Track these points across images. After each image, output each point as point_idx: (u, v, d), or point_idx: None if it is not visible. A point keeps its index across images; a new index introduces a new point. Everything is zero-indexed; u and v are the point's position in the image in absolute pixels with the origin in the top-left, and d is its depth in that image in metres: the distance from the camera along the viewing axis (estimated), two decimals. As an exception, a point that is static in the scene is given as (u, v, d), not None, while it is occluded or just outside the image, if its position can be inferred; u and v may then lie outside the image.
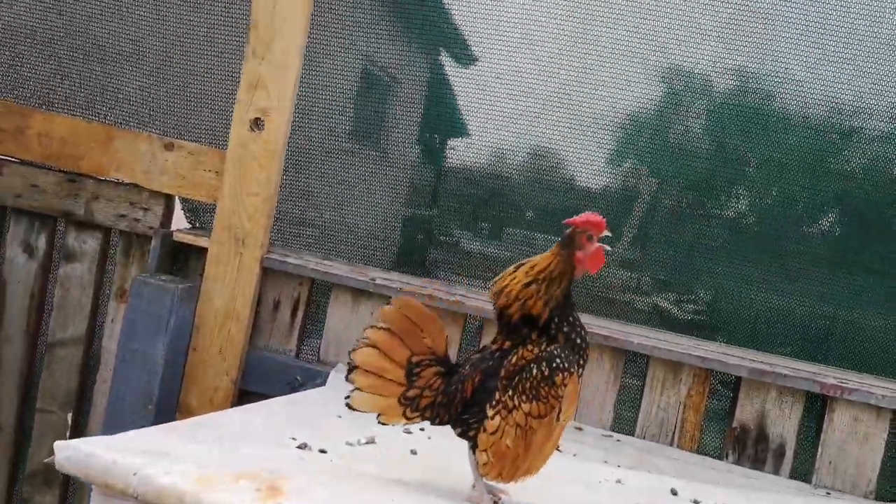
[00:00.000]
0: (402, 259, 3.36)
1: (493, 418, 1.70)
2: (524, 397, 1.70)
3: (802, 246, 2.84)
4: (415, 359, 1.76)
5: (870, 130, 2.78)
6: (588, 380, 3.06)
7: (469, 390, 1.74)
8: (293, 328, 3.22)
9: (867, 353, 3.00)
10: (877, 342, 3.00)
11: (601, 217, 1.79)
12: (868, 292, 2.86)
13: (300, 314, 3.23)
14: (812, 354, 3.04)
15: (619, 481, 2.47)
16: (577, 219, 1.79)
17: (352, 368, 1.75)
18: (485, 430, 1.71)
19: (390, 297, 3.10)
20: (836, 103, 2.81)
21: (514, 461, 1.70)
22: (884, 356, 3.05)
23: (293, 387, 3.06)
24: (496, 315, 1.79)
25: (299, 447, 1.92)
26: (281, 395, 2.77)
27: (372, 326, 1.77)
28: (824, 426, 2.93)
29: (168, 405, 2.97)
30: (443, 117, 3.26)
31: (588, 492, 2.27)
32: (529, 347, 1.74)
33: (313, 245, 3.44)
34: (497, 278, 1.81)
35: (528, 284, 1.74)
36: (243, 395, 3.14)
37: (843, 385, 2.85)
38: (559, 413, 1.72)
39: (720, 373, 3.03)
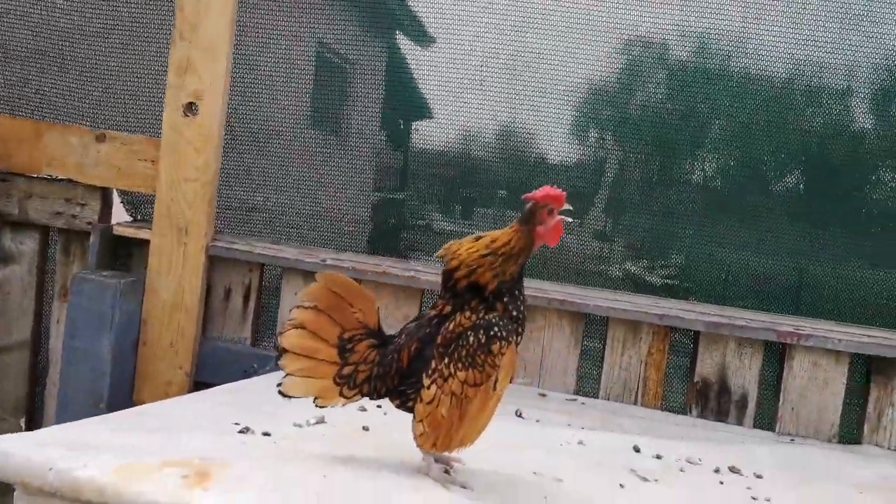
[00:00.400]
0: (375, 244, 3.31)
1: (429, 388, 1.65)
2: (460, 365, 1.64)
3: (769, 204, 2.87)
4: (346, 335, 1.69)
5: (830, 88, 2.79)
6: (549, 345, 3.04)
7: (406, 360, 1.69)
8: (246, 316, 3.15)
9: (840, 305, 2.99)
10: (847, 293, 3.01)
11: (560, 190, 1.73)
12: (834, 246, 2.88)
13: (252, 301, 3.15)
14: (784, 309, 3.03)
15: (581, 443, 2.44)
16: (536, 193, 1.73)
17: (281, 353, 1.68)
18: (421, 400, 1.66)
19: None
20: (796, 62, 2.81)
21: (448, 431, 1.65)
22: (855, 306, 3.05)
23: (250, 375, 2.99)
24: (443, 276, 1.73)
25: (241, 432, 1.85)
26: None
27: (298, 306, 1.70)
28: (784, 374, 2.93)
29: (120, 403, 2.89)
30: (405, 100, 3.22)
31: (549, 455, 2.24)
32: (468, 315, 1.68)
33: (284, 234, 3.37)
34: (454, 242, 1.75)
35: (484, 256, 1.69)
36: (199, 388, 3.06)
37: (800, 332, 2.85)
38: (496, 382, 1.68)
39: (680, 329, 3.02)
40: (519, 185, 3.01)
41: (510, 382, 1.73)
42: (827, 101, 2.73)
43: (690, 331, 3.01)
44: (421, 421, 1.65)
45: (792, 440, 2.87)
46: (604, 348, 3.05)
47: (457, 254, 1.71)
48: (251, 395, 2.24)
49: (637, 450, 2.47)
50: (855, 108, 2.71)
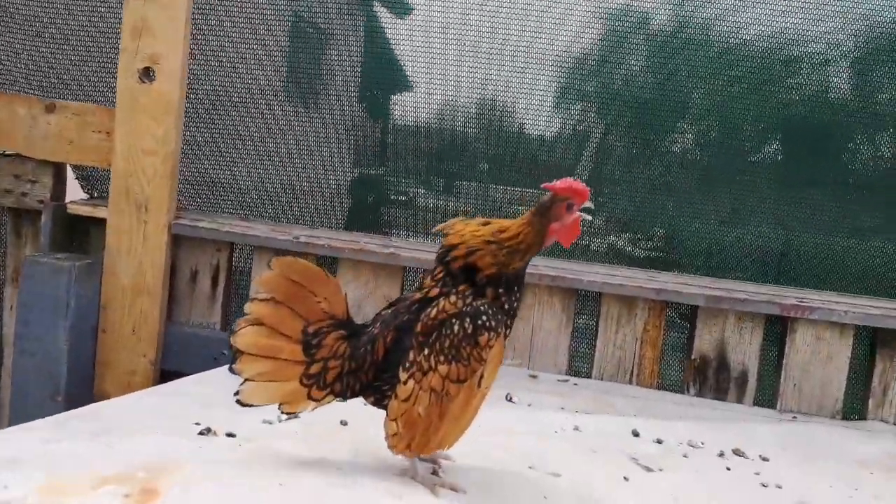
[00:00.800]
0: (354, 220, 3.13)
1: (405, 382, 1.46)
2: (442, 357, 1.45)
3: (750, 174, 2.78)
4: (311, 328, 1.48)
5: (808, 57, 2.71)
6: (540, 324, 2.86)
7: (381, 351, 1.49)
8: (215, 298, 2.93)
9: (822, 272, 2.88)
10: (831, 260, 2.89)
11: (584, 185, 1.54)
12: (815, 215, 2.80)
13: (222, 283, 2.94)
14: (768, 278, 2.92)
15: (576, 428, 2.28)
16: (557, 184, 1.53)
17: (236, 355, 1.46)
18: (396, 397, 1.47)
19: (318, 256, 2.86)
20: (775, 31, 2.71)
21: (425, 431, 1.46)
22: (837, 273, 2.93)
23: (220, 362, 2.79)
24: (439, 252, 1.53)
25: (202, 433, 1.66)
26: (206, 370, 2.50)
27: (253, 299, 1.48)
28: (786, 348, 2.78)
29: (81, 394, 2.68)
30: (383, 72, 3.07)
31: (544, 444, 2.08)
32: (453, 300, 1.49)
33: (255, 211, 3.16)
34: (458, 219, 1.55)
35: (489, 242, 1.49)
36: (166, 377, 2.85)
37: (804, 304, 2.70)
38: (481, 378, 1.49)
39: (675, 304, 2.85)
40: (501, 158, 2.90)
41: (495, 378, 1.55)
42: (805, 71, 2.70)
43: (687, 305, 2.85)
44: (395, 420, 1.47)
45: (794, 418, 2.73)
46: (597, 326, 2.88)
47: (460, 232, 1.51)
48: (218, 387, 2.04)
49: (636, 434, 2.31)
50: (833, 77, 2.70)
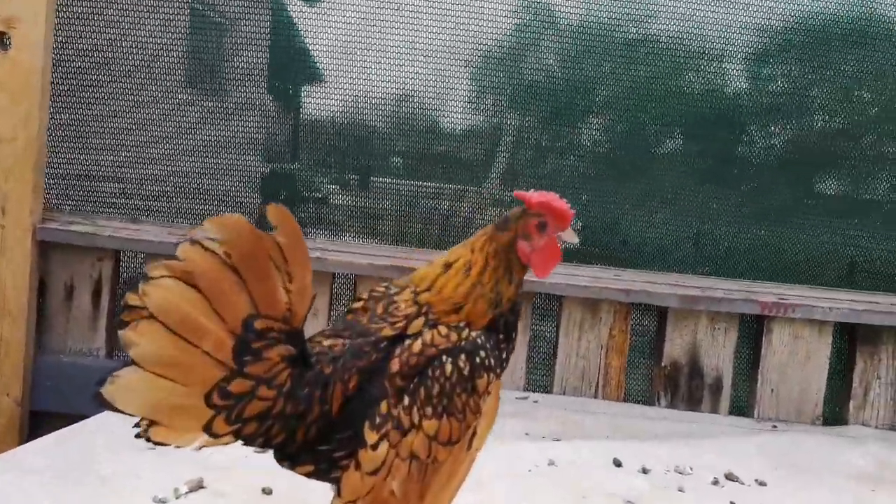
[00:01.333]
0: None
1: (376, 447, 1.05)
2: (429, 409, 1.06)
3: (657, 164, 2.76)
4: (259, 323, 1.00)
5: (708, 50, 2.70)
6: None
7: (337, 402, 1.07)
8: (97, 319, 2.38)
9: (734, 261, 2.78)
10: (739, 250, 2.79)
11: (567, 206, 1.20)
12: (722, 205, 2.75)
13: (105, 299, 2.39)
14: (681, 268, 2.79)
15: (551, 463, 1.92)
16: (532, 196, 1.19)
17: (131, 313, 0.95)
18: (358, 468, 1.05)
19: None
20: (678, 26, 2.70)
21: None
22: (745, 262, 2.80)
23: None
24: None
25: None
26: (90, 412, 1.96)
27: (196, 242, 0.96)
28: (763, 350, 2.52)
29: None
30: (292, 62, 2.82)
31: (522, 491, 1.69)
32: (444, 331, 1.10)
33: (146, 210, 2.66)
34: (418, 279, 1.18)
35: (471, 287, 1.15)
36: (37, 419, 2.29)
37: (785, 302, 2.44)
38: (472, 435, 1.12)
39: (643, 305, 2.54)
40: (415, 153, 2.78)
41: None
42: (705, 65, 2.74)
43: (653, 307, 2.54)
44: (352, 502, 1.04)
45: (774, 427, 2.47)
46: (557, 333, 2.53)
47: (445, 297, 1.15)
48: (82, 448, 1.52)
49: (618, 464, 1.99)
50: (730, 70, 2.79)
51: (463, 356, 1.08)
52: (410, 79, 2.71)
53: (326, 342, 1.10)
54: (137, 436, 0.97)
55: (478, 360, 1.09)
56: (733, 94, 2.85)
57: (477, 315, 1.13)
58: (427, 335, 1.10)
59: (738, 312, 2.49)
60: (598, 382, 2.53)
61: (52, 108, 2.38)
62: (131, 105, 2.73)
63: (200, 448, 0.98)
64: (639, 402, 2.57)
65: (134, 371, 0.95)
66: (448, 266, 1.17)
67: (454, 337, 1.10)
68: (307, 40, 2.79)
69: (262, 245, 1.00)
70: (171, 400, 0.97)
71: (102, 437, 1.57)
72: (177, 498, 1.32)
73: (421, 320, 1.12)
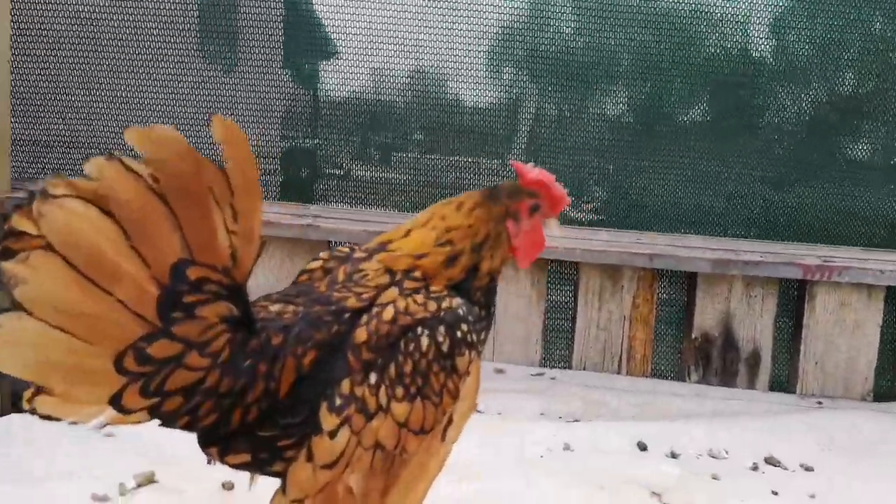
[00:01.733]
0: (288, 194, 2.69)
1: (334, 434, 0.85)
2: (400, 390, 0.87)
3: (682, 132, 2.60)
4: (192, 271, 0.79)
5: (730, 15, 2.52)
6: (505, 304, 2.26)
7: (287, 380, 0.87)
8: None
9: (769, 221, 2.53)
10: (777, 207, 2.55)
11: (564, 190, 1.05)
12: (743, 169, 2.54)
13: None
14: (711, 231, 2.56)
15: (567, 447, 1.71)
16: (530, 171, 1.03)
17: (17, 240, 0.73)
18: (309, 459, 0.85)
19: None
20: None
21: None
22: (783, 220, 2.55)
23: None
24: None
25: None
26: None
27: (113, 158, 0.74)
28: (805, 318, 2.27)
29: None
30: (308, 37, 2.70)
31: (529, 481, 1.49)
32: (420, 299, 0.91)
33: None
34: (388, 241, 1.00)
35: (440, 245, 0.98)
36: None
37: (830, 264, 2.18)
38: (447, 424, 0.92)
39: (666, 272, 2.30)
40: (435, 127, 2.70)
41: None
42: (727, 29, 2.58)
43: (680, 273, 2.30)
44: (300, 501, 0.85)
45: (819, 403, 2.22)
46: (575, 303, 2.30)
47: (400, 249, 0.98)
48: (12, 446, 1.33)
49: (643, 447, 1.78)
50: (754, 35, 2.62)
51: (442, 328, 0.89)
52: (429, 52, 2.58)
53: (274, 307, 0.90)
54: (21, 408, 0.76)
55: (459, 334, 0.90)
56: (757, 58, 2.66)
57: (433, 267, 0.95)
58: (401, 302, 0.90)
59: (777, 277, 2.23)
60: (621, 357, 2.31)
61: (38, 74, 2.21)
62: (175, 89, 2.58)
63: (103, 426, 0.78)
64: (667, 379, 2.34)
65: (18, 318, 0.73)
66: (426, 223, 0.98)
67: (433, 306, 0.91)
68: (322, 16, 2.65)
69: (201, 171, 0.78)
70: (69, 360, 0.75)
71: (31, 431, 1.37)
72: (122, 495, 1.13)
73: (394, 290, 0.91)
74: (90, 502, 1.11)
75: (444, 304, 0.91)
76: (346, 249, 1.00)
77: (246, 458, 0.87)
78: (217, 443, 0.86)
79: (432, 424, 0.88)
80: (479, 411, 1.89)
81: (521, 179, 1.03)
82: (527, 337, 2.29)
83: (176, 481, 1.17)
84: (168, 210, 0.76)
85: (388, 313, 0.89)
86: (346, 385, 0.86)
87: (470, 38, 2.53)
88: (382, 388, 0.86)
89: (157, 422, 0.82)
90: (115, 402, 0.77)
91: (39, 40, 2.43)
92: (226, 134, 0.78)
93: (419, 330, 0.89)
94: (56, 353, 0.74)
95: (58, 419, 0.76)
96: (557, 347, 2.38)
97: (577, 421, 1.91)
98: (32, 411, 0.75)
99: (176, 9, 2.61)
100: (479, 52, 2.57)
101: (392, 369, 0.87)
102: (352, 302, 0.91)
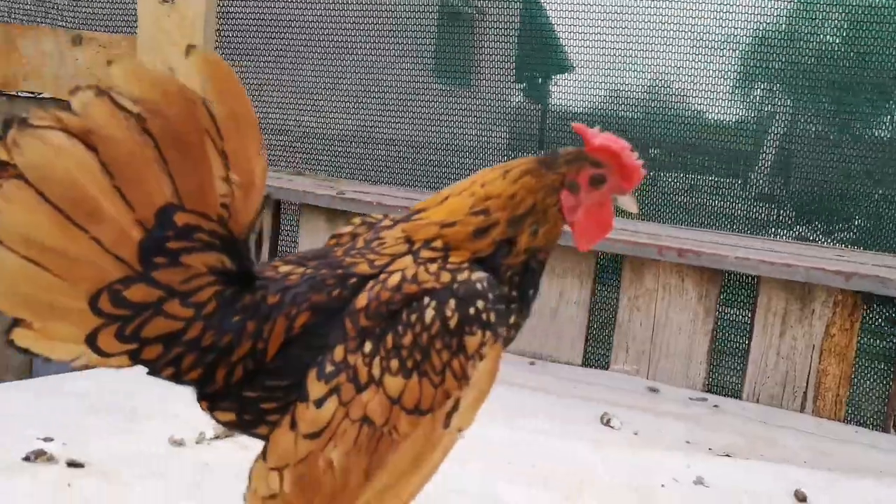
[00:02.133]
0: None
1: (321, 403, 0.79)
2: (396, 362, 0.79)
3: None
4: (180, 217, 0.76)
5: None
6: (665, 317, 2.04)
7: (277, 340, 0.82)
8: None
9: None
10: None
11: (636, 159, 0.90)
12: None
13: (265, 248, 2.42)
14: None
15: (698, 481, 1.48)
16: (596, 136, 0.90)
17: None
18: (292, 427, 0.80)
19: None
20: None
21: (332, 499, 0.79)
22: None
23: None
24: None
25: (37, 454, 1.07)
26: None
27: (101, 92, 0.71)
28: None
29: None
30: (541, 51, 2.81)
31: (630, 498, 1.30)
32: (433, 268, 0.83)
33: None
34: (423, 209, 0.92)
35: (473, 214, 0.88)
36: None
37: None
38: (452, 409, 0.81)
39: (878, 297, 1.90)
40: (671, 144, 2.66)
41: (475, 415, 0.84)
42: None
43: (891, 299, 1.89)
44: (278, 469, 0.80)
45: None
46: (752, 324, 2.00)
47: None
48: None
49: (801, 497, 1.46)
50: None
51: (452, 302, 0.80)
52: (666, 67, 2.51)
53: (284, 268, 0.86)
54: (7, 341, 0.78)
55: (472, 311, 0.80)
56: None
57: (457, 238, 0.85)
58: (410, 270, 0.82)
59: None
60: (805, 393, 1.96)
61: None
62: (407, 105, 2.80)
63: (85, 367, 0.79)
64: (866, 426, 1.94)
65: None
66: (465, 189, 0.89)
67: (446, 277, 0.82)
68: (556, 27, 2.69)
69: (195, 113, 0.75)
70: (42, 296, 0.75)
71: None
72: (198, 443, 1.18)
73: (409, 258, 0.84)
74: (167, 445, 1.17)
75: (461, 277, 0.81)
76: (380, 216, 0.94)
77: (231, 417, 0.84)
78: (208, 398, 0.84)
79: (430, 405, 0.79)
80: (611, 426, 1.72)
81: (586, 145, 0.88)
82: (689, 355, 2.04)
83: (252, 440, 1.19)
84: (158, 153, 0.74)
85: (394, 280, 0.82)
86: (339, 352, 0.80)
87: (715, 45, 2.40)
88: (377, 359, 0.79)
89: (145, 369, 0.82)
90: (92, 343, 0.77)
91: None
92: (209, 69, 0.76)
93: (426, 300, 0.80)
94: (29, 287, 0.74)
95: (35, 355, 0.77)
96: (727, 373, 2.08)
97: (727, 456, 1.65)
98: (10, 343, 0.76)
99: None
100: (727, 64, 2.44)
101: (389, 339, 0.79)
102: (362, 268, 0.85)
